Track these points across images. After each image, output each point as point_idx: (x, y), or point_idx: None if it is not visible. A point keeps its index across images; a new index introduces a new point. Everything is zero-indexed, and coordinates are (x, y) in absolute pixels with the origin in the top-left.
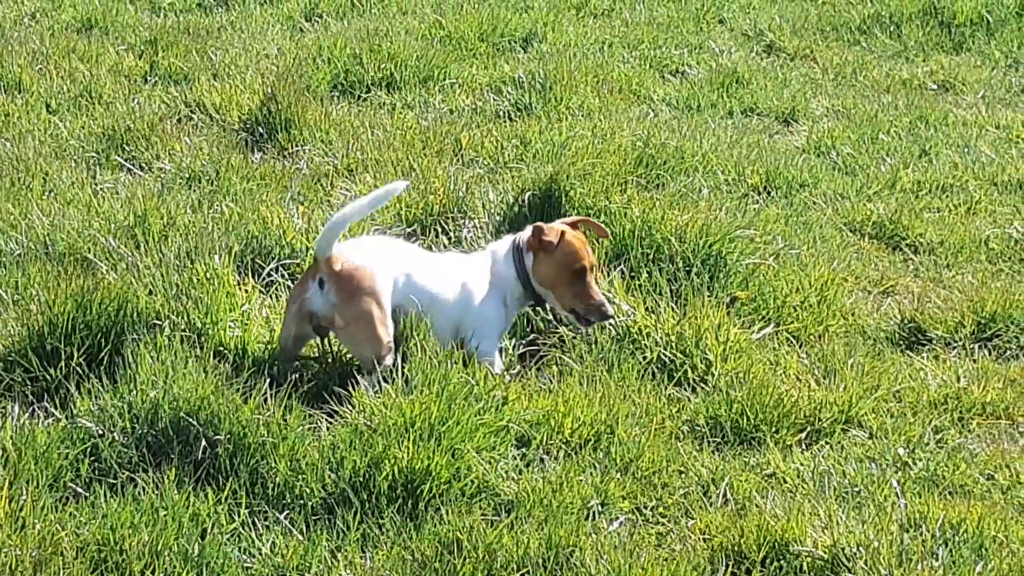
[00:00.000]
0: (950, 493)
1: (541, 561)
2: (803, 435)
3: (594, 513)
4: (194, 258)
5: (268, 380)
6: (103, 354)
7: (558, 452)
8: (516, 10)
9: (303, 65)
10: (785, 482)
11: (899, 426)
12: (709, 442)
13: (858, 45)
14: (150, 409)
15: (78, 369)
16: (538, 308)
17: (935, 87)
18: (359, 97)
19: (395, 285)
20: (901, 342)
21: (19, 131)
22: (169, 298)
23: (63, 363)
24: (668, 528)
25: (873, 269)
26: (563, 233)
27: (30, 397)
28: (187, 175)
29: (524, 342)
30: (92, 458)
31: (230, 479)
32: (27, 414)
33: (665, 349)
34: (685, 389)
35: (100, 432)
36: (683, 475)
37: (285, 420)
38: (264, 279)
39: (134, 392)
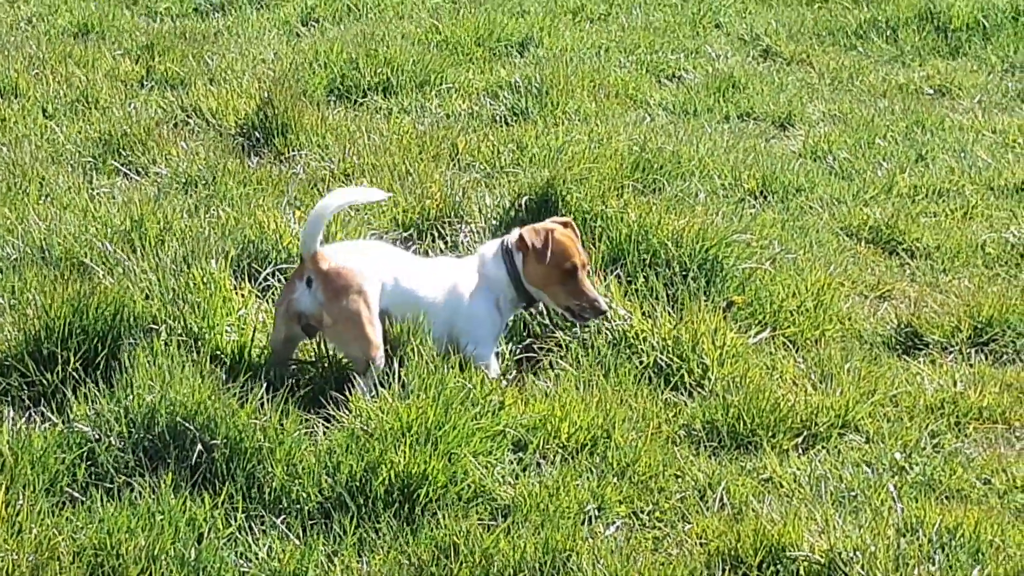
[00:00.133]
0: (947, 497)
1: (538, 565)
2: (800, 439)
3: (591, 517)
4: (191, 263)
5: (265, 385)
6: (99, 359)
7: (555, 456)
8: (512, 15)
9: (299, 70)
10: (782, 486)
11: (896, 431)
12: (706, 446)
13: (854, 50)
14: (147, 414)
15: (74, 374)
16: (532, 311)
17: (931, 92)
18: (355, 102)
19: (383, 287)
20: (898, 347)
21: (15, 136)
22: (166, 303)
23: (59, 368)
24: (665, 532)
25: (870, 274)
26: (552, 232)
27: (26, 402)
28: (183, 180)
29: (521, 346)
30: (88, 463)
31: (227, 484)
32: (23, 419)
33: (662, 353)
34: (682, 393)
35: (96, 437)
36: (680, 479)
37: (282, 425)
38: (261, 283)
39: (130, 397)
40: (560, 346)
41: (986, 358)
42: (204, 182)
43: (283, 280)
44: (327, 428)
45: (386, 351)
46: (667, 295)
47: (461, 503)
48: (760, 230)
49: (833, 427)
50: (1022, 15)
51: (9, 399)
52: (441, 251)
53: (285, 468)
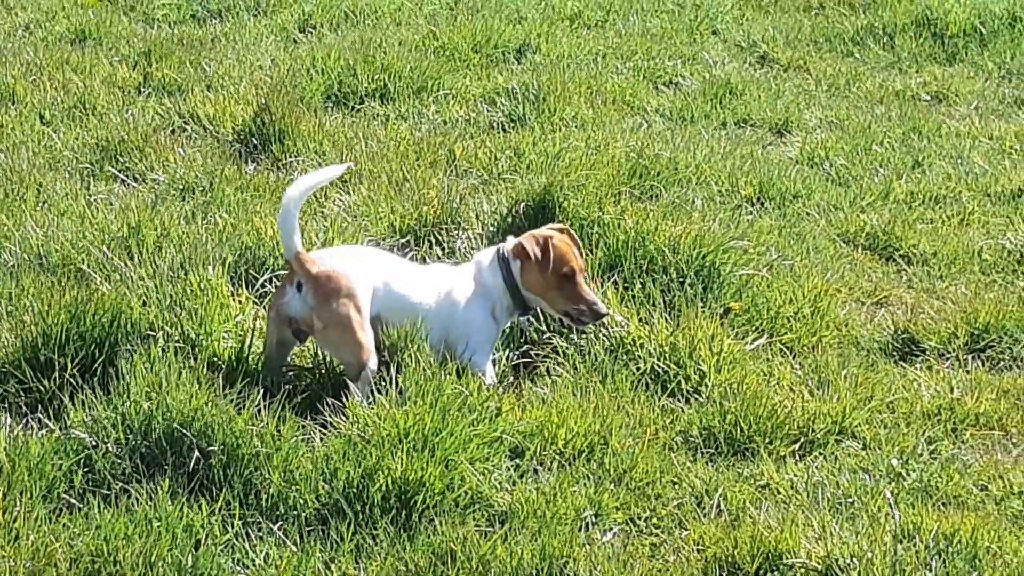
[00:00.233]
0: (944, 504)
1: (535, 572)
2: (796, 446)
3: (588, 524)
4: (188, 269)
5: (261, 391)
6: (97, 365)
7: (552, 463)
8: (510, 21)
9: (297, 76)
10: (779, 493)
11: (892, 437)
12: (703, 453)
13: (851, 56)
14: (144, 420)
15: (72, 380)
16: (527, 318)
17: (928, 98)
18: (353, 108)
19: (375, 292)
20: (894, 353)
21: (13, 142)
22: (163, 309)
23: (57, 374)
24: (662, 539)
25: (866, 280)
26: (550, 239)
27: (23, 408)
28: (181, 186)
29: (518, 353)
30: (86, 469)
31: (224, 490)
32: (20, 425)
33: (659, 360)
34: (679, 400)
35: (94, 443)
36: (677, 486)
37: (279, 431)
38: (258, 290)
39: (128, 403)
40: (557, 352)
41: (983, 364)
42: (201, 188)
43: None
44: (324, 434)
45: (380, 357)
46: (664, 301)
47: (458, 510)
48: (757, 236)
49: (830, 433)
50: (1019, 21)
51: (6, 405)
52: (438, 257)
53: (282, 474)
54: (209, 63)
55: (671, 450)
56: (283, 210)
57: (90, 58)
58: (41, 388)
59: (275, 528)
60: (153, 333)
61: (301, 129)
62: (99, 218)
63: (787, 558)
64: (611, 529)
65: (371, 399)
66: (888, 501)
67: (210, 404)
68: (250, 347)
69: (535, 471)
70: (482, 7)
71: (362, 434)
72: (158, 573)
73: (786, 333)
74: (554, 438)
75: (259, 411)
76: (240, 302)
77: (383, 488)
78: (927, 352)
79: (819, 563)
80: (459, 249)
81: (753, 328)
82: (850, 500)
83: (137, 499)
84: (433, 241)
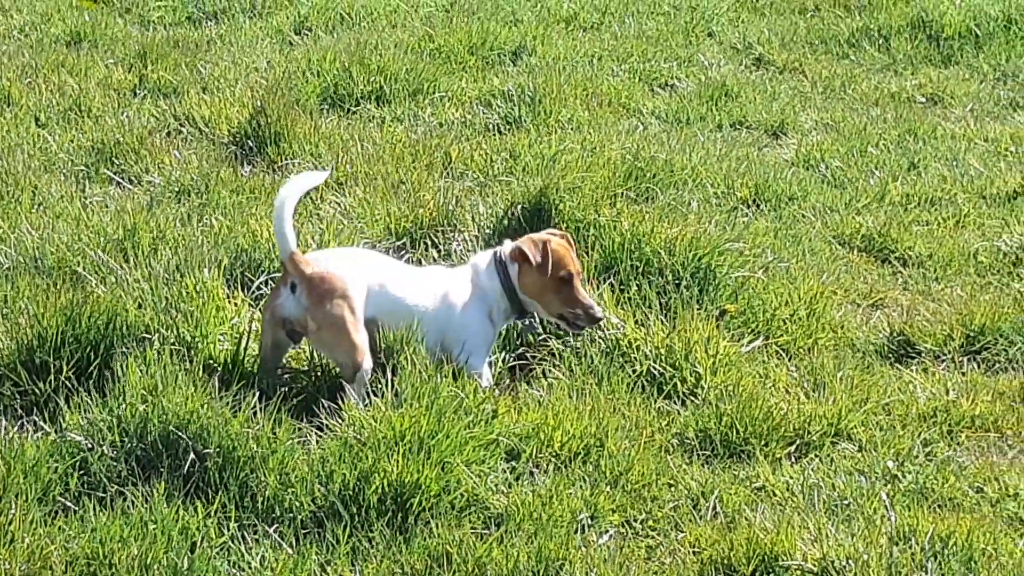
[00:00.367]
0: (939, 506)
1: (531, 574)
2: (792, 448)
3: (584, 526)
4: (183, 272)
5: (257, 393)
6: (92, 368)
7: (548, 465)
8: (506, 23)
9: (292, 78)
10: (774, 495)
11: (888, 439)
12: (699, 455)
13: (847, 58)
14: (139, 423)
15: (67, 383)
16: (530, 322)
17: (924, 100)
18: (348, 110)
19: (369, 294)
20: (890, 355)
21: (8, 145)
22: (158, 311)
23: (52, 376)
24: (658, 541)
25: (862, 282)
26: (547, 243)
27: (19, 411)
28: (176, 188)
29: (514, 355)
30: (81, 472)
31: (219, 492)
32: (16, 428)
33: (655, 362)
34: (675, 402)
35: (89, 446)
36: (673, 488)
37: (274, 433)
38: (254, 292)
39: (123, 406)
40: (553, 354)
41: (978, 366)
42: (197, 191)
43: None
44: (320, 437)
45: (375, 358)
46: (660, 304)
47: (454, 512)
48: (753, 239)
49: (826, 435)
50: (1014, 24)
51: (1, 408)
52: (434, 260)
53: (278, 477)
54: (205, 65)
55: (667, 452)
56: (277, 211)
57: (85, 60)
58: (36, 391)
59: (271, 531)
60: (149, 335)
61: (297, 131)
62: (94, 220)
63: (783, 560)
64: (607, 531)
65: (367, 401)
66: (884, 503)
67: (206, 407)
68: (246, 349)
69: (531, 473)
70: (478, 9)
71: (358, 436)
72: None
73: (782, 335)
74: (550, 440)
75: (255, 413)
76: (236, 304)
77: (379, 490)
78: (923, 354)
79: (815, 565)
80: (455, 251)
81: (749, 330)
82: (846, 502)
83: (133, 502)
84: (429, 243)
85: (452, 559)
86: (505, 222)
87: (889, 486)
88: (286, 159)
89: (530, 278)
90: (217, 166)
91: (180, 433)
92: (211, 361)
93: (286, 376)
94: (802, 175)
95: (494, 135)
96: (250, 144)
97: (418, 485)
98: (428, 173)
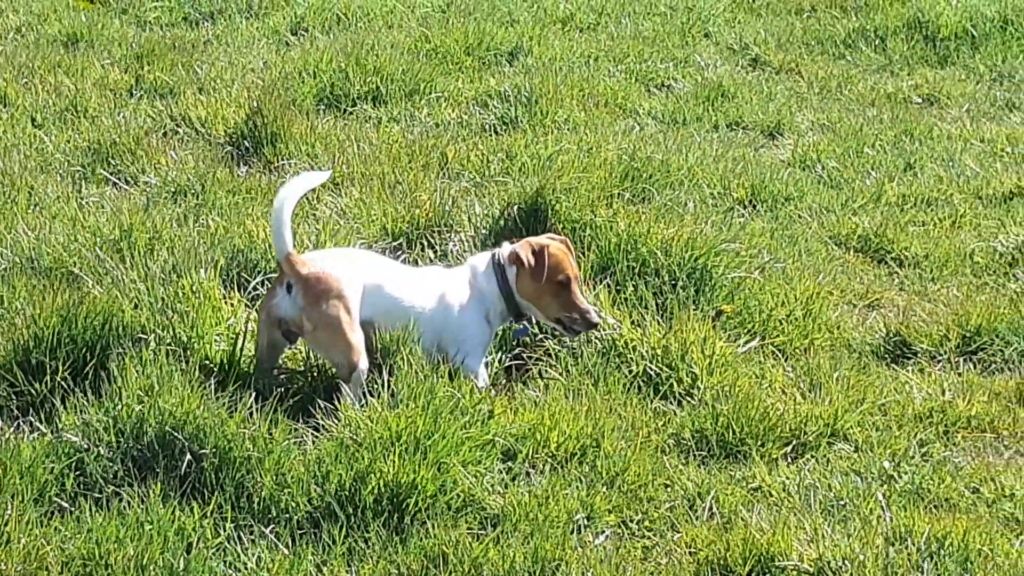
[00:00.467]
0: (935, 506)
1: (527, 575)
2: (788, 448)
3: (580, 527)
4: (180, 272)
5: (253, 394)
6: (88, 368)
7: (544, 466)
8: (502, 24)
9: (289, 79)
10: (771, 495)
11: (884, 439)
12: (695, 455)
13: (843, 59)
14: (135, 423)
15: (63, 383)
16: (524, 326)
17: (920, 101)
18: (345, 111)
19: (365, 294)
20: (886, 355)
21: (4, 145)
22: (155, 312)
23: (48, 377)
24: (654, 542)
25: (858, 283)
26: (546, 247)
27: (15, 411)
28: (173, 189)
29: (510, 356)
30: (77, 472)
31: (215, 493)
32: (12, 428)
33: (651, 362)
34: (671, 403)
35: (85, 446)
36: (669, 489)
37: (271, 434)
38: (250, 293)
39: (119, 406)
40: (549, 355)
41: (974, 367)
42: (193, 191)
43: None
44: (316, 437)
45: (372, 358)
46: (656, 304)
47: (450, 512)
48: (749, 239)
49: (822, 436)
50: (1010, 25)
51: None
52: (431, 260)
53: (274, 477)
54: (201, 66)
55: (663, 453)
56: (275, 211)
57: (82, 61)
58: (33, 391)
59: (267, 531)
60: (145, 336)
61: (293, 132)
62: (91, 221)
63: (779, 560)
64: (603, 532)
65: (363, 401)
66: (880, 503)
67: (202, 407)
68: (242, 350)
69: (527, 474)
70: (474, 10)
71: (354, 437)
72: None
73: (778, 336)
74: (546, 441)
75: (251, 414)
76: (232, 305)
77: (375, 491)
78: (919, 354)
79: (811, 565)
80: (451, 252)
81: (745, 331)
82: (842, 502)
83: (129, 502)
84: (425, 244)
85: (448, 559)
86: (501, 223)
87: (885, 486)
88: (282, 159)
89: (527, 282)
90: (213, 166)
91: (176, 434)
92: (207, 362)
93: (282, 376)
94: (798, 176)
95: (490, 136)
96: (246, 144)
97: (414, 485)
98: (424, 173)
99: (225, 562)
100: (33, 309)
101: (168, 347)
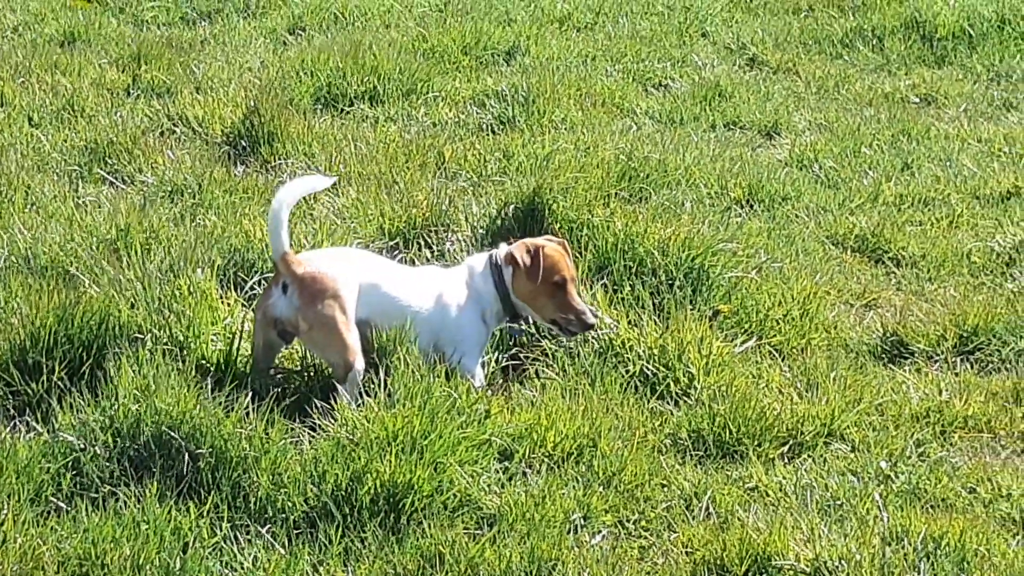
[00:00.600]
0: (932, 506)
1: (523, 574)
2: (785, 448)
3: (576, 527)
4: (177, 272)
5: (250, 394)
6: (85, 368)
7: (541, 466)
8: (499, 23)
9: (286, 78)
10: (768, 495)
11: (881, 439)
12: (692, 455)
13: (841, 58)
14: (132, 423)
15: (60, 383)
16: (519, 325)
17: (917, 100)
18: (342, 110)
19: (361, 294)
20: (883, 355)
21: (1, 144)
22: (151, 312)
23: (44, 377)
24: (651, 542)
25: (855, 282)
26: (542, 248)
27: (11, 411)
28: (170, 188)
29: (507, 356)
30: (74, 472)
31: (212, 493)
32: (8, 428)
33: (648, 362)
34: (668, 402)
35: (82, 446)
36: (666, 488)
37: (267, 434)
38: (247, 292)
39: (116, 406)
40: (546, 355)
41: (971, 367)
42: (190, 191)
43: None
44: (312, 437)
45: (368, 358)
46: (653, 304)
47: (447, 512)
48: (746, 239)
49: (819, 436)
50: (1007, 24)
51: None
52: (428, 260)
53: (270, 477)
54: (198, 65)
55: (660, 453)
56: (273, 211)
57: (79, 60)
58: (29, 391)
59: (263, 531)
60: (141, 336)
61: (290, 131)
62: (87, 220)
63: (776, 560)
64: (600, 532)
65: (359, 401)
66: (877, 503)
67: (198, 407)
68: (238, 350)
69: (524, 474)
70: (471, 9)
71: (351, 437)
72: None
73: (775, 335)
74: (543, 441)
75: (247, 414)
76: (229, 304)
77: (371, 491)
78: (916, 354)
79: (808, 565)
80: (448, 251)
81: (742, 330)
82: (839, 502)
83: (125, 502)
84: (422, 243)
85: (444, 559)
86: (498, 222)
87: (882, 486)
88: (279, 159)
89: (522, 282)
90: (210, 166)
91: (173, 433)
92: (204, 361)
93: (279, 376)
94: (796, 175)
95: (487, 135)
96: (243, 144)
97: (411, 485)
98: (421, 173)
99: (221, 562)
100: (29, 309)
101: (165, 347)
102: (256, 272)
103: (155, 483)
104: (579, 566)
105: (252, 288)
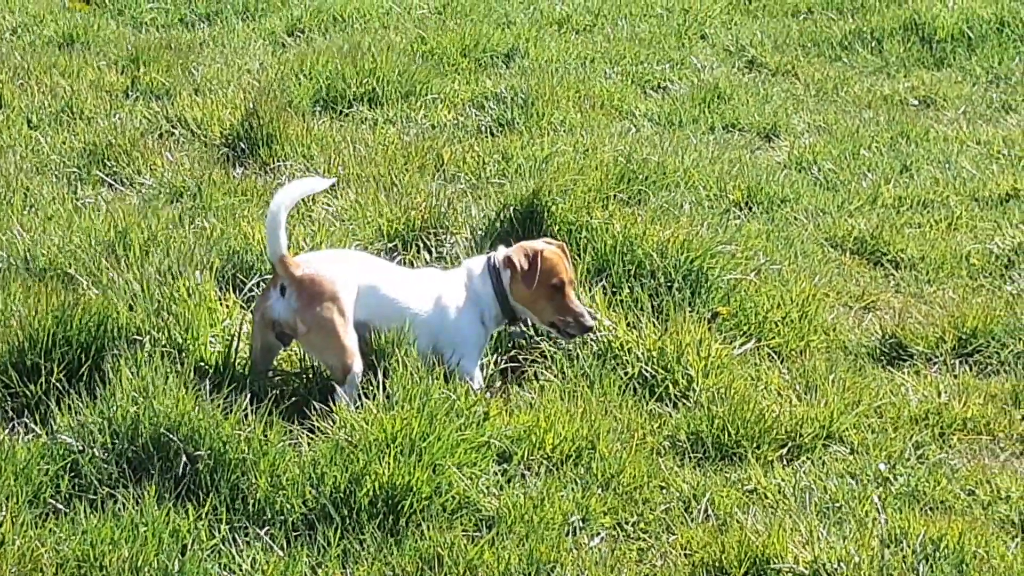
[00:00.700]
0: (931, 509)
1: None
2: (784, 451)
3: (575, 529)
4: (175, 274)
5: (249, 396)
6: (83, 370)
7: (539, 468)
8: (498, 25)
9: (285, 80)
10: (766, 498)
11: (880, 442)
12: (690, 458)
13: (839, 61)
14: (130, 425)
15: (58, 385)
16: (519, 329)
17: (916, 103)
18: (341, 112)
19: (360, 295)
20: (882, 357)
21: (0, 146)
22: (150, 314)
23: (43, 379)
24: (649, 544)
25: (854, 284)
26: (540, 252)
27: (10, 413)
28: (169, 190)
29: (505, 357)
30: (72, 474)
31: (210, 495)
32: (7, 430)
33: (646, 364)
34: (666, 404)
35: (80, 448)
36: (664, 491)
37: (266, 436)
38: (245, 294)
39: (114, 408)
40: (545, 357)
41: (970, 369)
42: (189, 193)
43: None
44: (311, 439)
45: (366, 360)
46: (652, 306)
47: (445, 514)
48: (745, 241)
49: (817, 438)
50: (1007, 26)
51: None
52: (426, 262)
53: (269, 479)
54: (197, 67)
55: (659, 455)
56: (271, 213)
57: (78, 62)
58: (27, 393)
59: (262, 533)
60: (140, 338)
61: (289, 133)
62: (86, 223)
63: (774, 563)
64: (598, 534)
65: (358, 403)
66: (875, 506)
67: (197, 409)
68: (237, 351)
69: (522, 476)
70: (471, 11)
71: (349, 439)
72: None
73: (774, 337)
74: (542, 443)
75: (246, 416)
76: (227, 307)
77: (370, 493)
78: (915, 357)
79: (806, 568)
80: (447, 253)
81: (741, 332)
82: (837, 505)
83: (124, 504)
84: (421, 245)
85: (443, 561)
86: (497, 224)
87: (881, 489)
88: (278, 161)
89: (520, 285)
90: (209, 168)
91: (171, 435)
92: (202, 363)
93: (277, 378)
94: (794, 177)
95: (486, 137)
96: (242, 146)
97: (409, 487)
98: (420, 175)
99: (220, 564)
100: (28, 310)
101: (163, 349)
102: (255, 274)
103: (154, 485)
104: (578, 568)
105: (251, 290)
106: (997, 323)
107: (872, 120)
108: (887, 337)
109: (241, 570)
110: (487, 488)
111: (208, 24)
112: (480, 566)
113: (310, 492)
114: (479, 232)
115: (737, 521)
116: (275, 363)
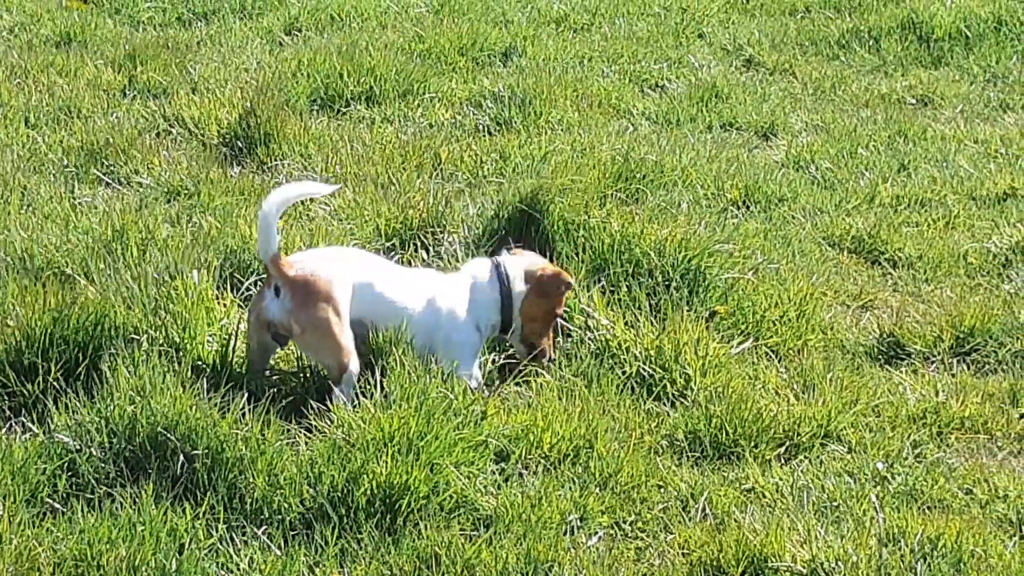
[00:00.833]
0: (929, 508)
1: None
2: (782, 450)
3: (573, 528)
4: (173, 273)
5: (246, 395)
6: (80, 369)
7: (537, 467)
8: (495, 24)
9: (282, 79)
10: (764, 497)
11: (878, 440)
12: (688, 457)
13: (837, 59)
14: (128, 424)
15: (55, 384)
16: (506, 336)
17: (914, 101)
18: (338, 111)
19: (355, 293)
20: (880, 356)
21: None
22: (147, 313)
23: (40, 378)
24: (647, 543)
25: (852, 283)
26: (569, 284)
27: (7, 412)
28: (166, 189)
29: (503, 356)
30: (69, 473)
31: (208, 494)
32: (4, 429)
33: (644, 364)
34: (664, 404)
35: (77, 447)
36: (662, 490)
37: (263, 435)
38: (243, 294)
39: (112, 407)
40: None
41: (968, 368)
42: (186, 192)
43: None
44: (309, 438)
45: (362, 359)
46: (650, 305)
47: (443, 513)
48: (743, 240)
49: (815, 437)
50: (1004, 25)
51: None
52: (424, 261)
53: (267, 478)
54: (194, 66)
55: (656, 454)
56: (263, 213)
57: (75, 61)
58: (24, 392)
59: (259, 532)
60: (137, 337)
61: (286, 132)
62: (84, 221)
63: (772, 562)
64: (596, 533)
65: (355, 402)
66: (873, 505)
67: (194, 408)
68: (234, 351)
69: (520, 475)
70: (468, 10)
71: (347, 438)
72: None
73: (771, 337)
74: (539, 442)
75: (243, 415)
76: (225, 306)
77: (368, 492)
78: (912, 356)
79: (804, 567)
80: (445, 253)
81: (738, 331)
82: (835, 504)
83: (121, 503)
84: (419, 244)
85: (441, 560)
86: (495, 223)
87: (879, 487)
88: (276, 160)
89: (536, 306)
90: (206, 167)
91: (168, 434)
92: (200, 362)
93: (274, 378)
94: (792, 176)
95: (484, 136)
96: (240, 145)
97: (407, 486)
98: (418, 174)
99: (217, 563)
100: (25, 309)
101: (160, 348)
102: (252, 273)
103: (151, 484)
104: (575, 567)
105: (248, 289)
106: (995, 322)
107: (870, 119)
108: (885, 336)
109: (239, 569)
110: (485, 487)
111: (205, 23)
112: (478, 565)
113: (307, 491)
114: (477, 231)
115: (735, 520)
116: (272, 362)
